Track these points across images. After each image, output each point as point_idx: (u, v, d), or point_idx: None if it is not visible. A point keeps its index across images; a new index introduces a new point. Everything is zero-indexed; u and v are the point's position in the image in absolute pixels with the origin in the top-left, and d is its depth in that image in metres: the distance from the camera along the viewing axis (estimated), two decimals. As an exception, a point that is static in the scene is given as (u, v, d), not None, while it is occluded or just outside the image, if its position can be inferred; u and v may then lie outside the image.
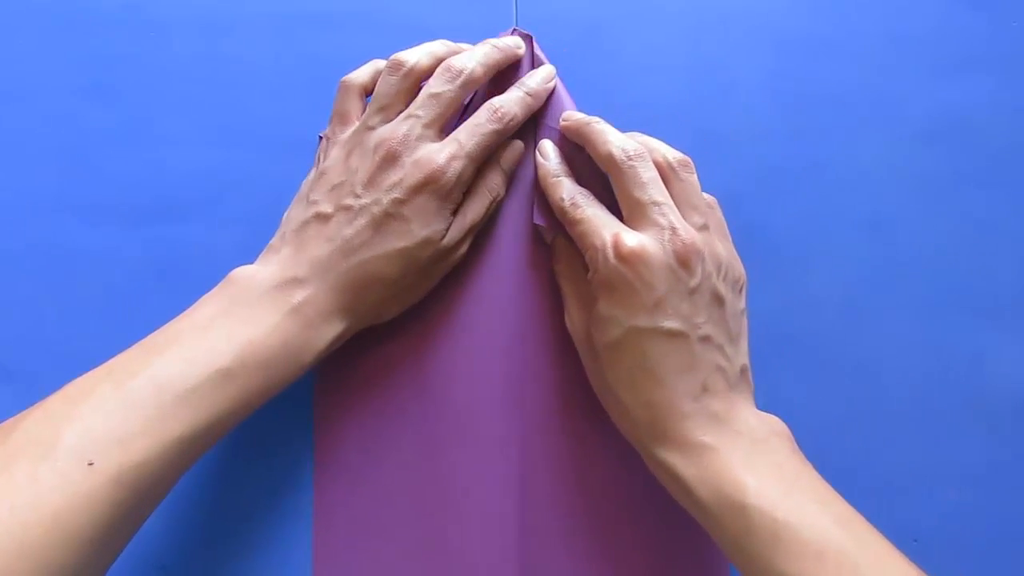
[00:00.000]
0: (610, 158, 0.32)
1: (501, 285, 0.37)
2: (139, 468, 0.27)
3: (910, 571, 0.27)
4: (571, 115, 0.35)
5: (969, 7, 0.40)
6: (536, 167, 0.36)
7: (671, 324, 0.30)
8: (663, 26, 0.40)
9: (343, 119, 0.35)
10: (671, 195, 0.32)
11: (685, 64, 0.39)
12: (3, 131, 0.39)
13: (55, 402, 0.28)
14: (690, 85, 0.39)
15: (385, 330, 0.36)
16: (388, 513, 0.36)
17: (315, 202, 0.33)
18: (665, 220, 0.31)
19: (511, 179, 0.37)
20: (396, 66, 0.34)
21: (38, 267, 0.38)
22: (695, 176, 0.33)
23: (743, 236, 0.36)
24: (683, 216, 0.32)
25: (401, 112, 0.34)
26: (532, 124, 0.37)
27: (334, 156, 0.34)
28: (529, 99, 0.35)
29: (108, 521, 0.26)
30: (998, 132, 0.39)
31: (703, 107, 0.39)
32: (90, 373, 0.29)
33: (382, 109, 0.33)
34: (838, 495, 0.30)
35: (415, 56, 0.34)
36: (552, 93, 0.37)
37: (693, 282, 0.31)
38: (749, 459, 0.30)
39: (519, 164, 0.37)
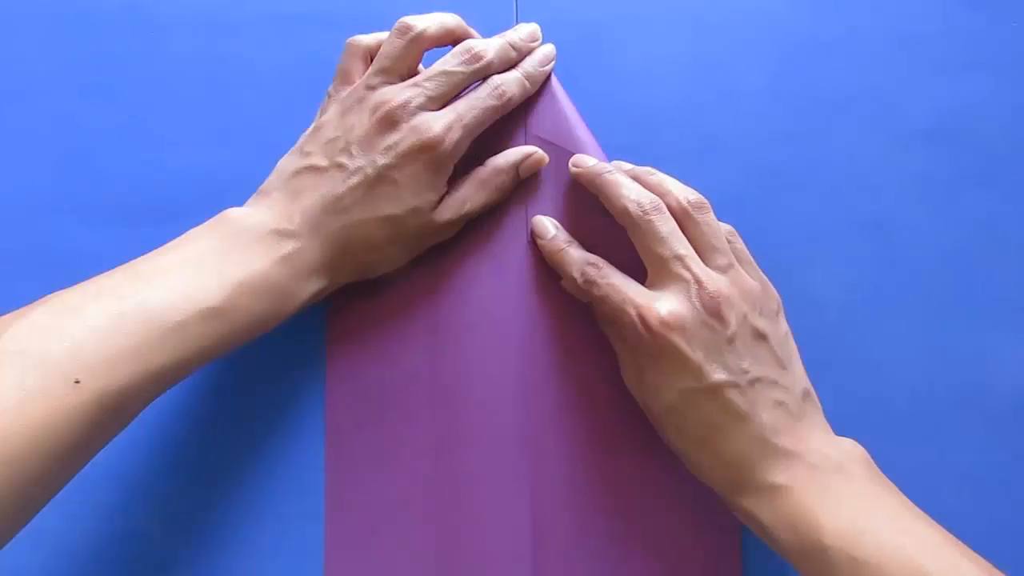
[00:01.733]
0: (626, 213, 0.32)
1: (512, 286, 0.37)
2: (121, 392, 0.27)
3: None
4: (582, 161, 0.35)
5: (969, 7, 0.40)
6: (537, 244, 0.36)
7: (719, 377, 0.30)
8: (664, 27, 0.40)
9: (344, 78, 0.35)
10: (690, 240, 0.32)
11: (686, 65, 0.39)
12: (3, 131, 0.39)
13: (40, 314, 0.28)
14: (691, 86, 0.39)
15: (396, 332, 0.36)
16: (400, 513, 0.36)
17: (309, 154, 0.33)
18: (689, 274, 0.31)
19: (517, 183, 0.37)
20: (403, 30, 0.34)
21: (38, 267, 0.38)
22: (711, 215, 0.33)
23: (743, 236, 0.36)
24: (706, 260, 0.32)
25: (402, 75, 0.34)
26: (522, 132, 0.37)
27: (331, 112, 0.34)
28: (527, 83, 0.36)
29: (84, 439, 0.26)
30: (998, 132, 0.39)
31: (704, 108, 0.39)
32: (75, 289, 0.29)
33: (384, 71, 0.34)
34: (922, 516, 0.30)
35: (424, 22, 0.34)
36: (543, 102, 0.37)
37: (730, 331, 0.31)
38: (824, 495, 0.29)
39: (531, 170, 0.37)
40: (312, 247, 0.32)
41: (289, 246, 0.32)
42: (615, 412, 0.36)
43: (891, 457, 0.37)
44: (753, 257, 0.35)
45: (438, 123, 0.32)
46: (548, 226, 0.35)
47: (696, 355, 0.30)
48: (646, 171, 0.34)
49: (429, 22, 0.34)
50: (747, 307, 0.32)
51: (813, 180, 0.39)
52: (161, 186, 0.38)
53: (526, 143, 0.37)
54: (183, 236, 0.32)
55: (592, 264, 0.33)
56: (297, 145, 0.35)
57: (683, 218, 0.33)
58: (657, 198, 0.33)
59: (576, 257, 0.34)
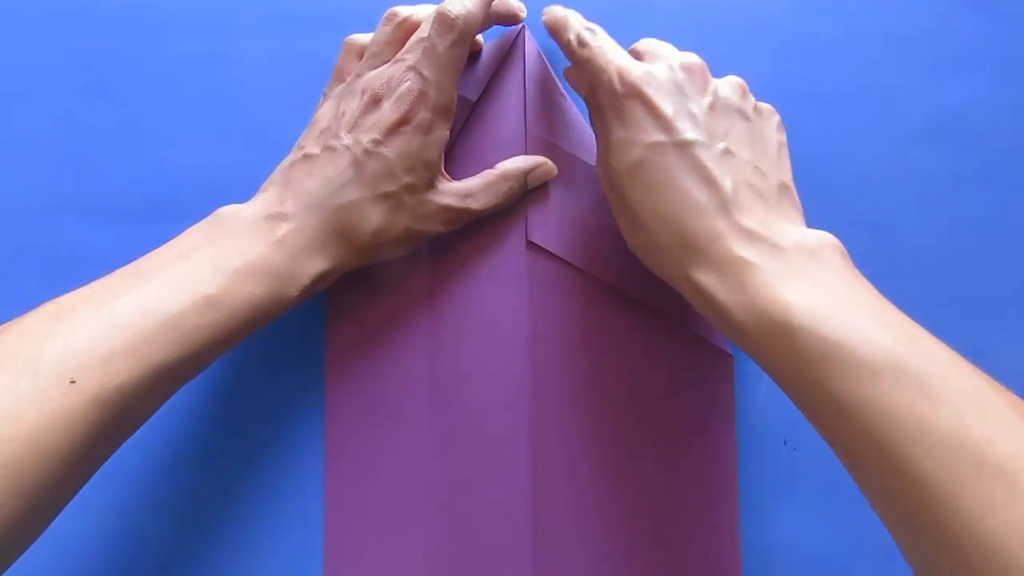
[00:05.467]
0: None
1: (512, 286, 0.37)
2: (121, 390, 0.26)
3: (984, 384, 0.25)
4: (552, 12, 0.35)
5: (969, 7, 0.40)
6: (544, 22, 0.35)
7: (687, 135, 0.30)
8: (663, 26, 0.39)
9: (339, 75, 0.36)
10: None
11: (685, 64, 0.39)
12: (3, 131, 0.39)
13: (34, 319, 0.27)
14: (690, 85, 0.39)
15: (396, 332, 0.36)
16: (400, 513, 0.36)
17: (303, 147, 0.33)
18: (672, 54, 0.31)
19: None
20: (390, 17, 0.34)
21: (38, 267, 0.38)
22: None
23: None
24: None
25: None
26: (522, 132, 0.37)
27: (326, 106, 0.34)
28: None
29: (86, 442, 0.26)
30: (998, 132, 0.39)
31: (703, 107, 0.39)
32: (70, 294, 0.28)
33: (373, 57, 0.34)
34: (897, 311, 0.28)
35: (411, 9, 0.34)
36: (543, 101, 0.37)
37: (707, 98, 0.31)
38: (793, 274, 0.27)
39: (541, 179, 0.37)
40: (308, 227, 0.32)
41: (284, 228, 0.31)
42: (615, 412, 0.36)
43: (891, 457, 0.37)
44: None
45: (411, 93, 0.32)
46: (554, 7, 0.35)
47: (667, 109, 0.30)
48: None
49: (416, 9, 0.34)
50: (731, 92, 0.31)
51: (812, 180, 0.38)
52: (161, 186, 0.38)
53: (526, 143, 0.37)
54: (178, 236, 0.32)
55: (589, 29, 0.33)
56: (295, 144, 0.35)
57: None
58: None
59: (574, 21, 0.34)
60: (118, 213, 0.38)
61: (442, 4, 0.33)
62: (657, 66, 0.31)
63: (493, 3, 0.35)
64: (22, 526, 0.25)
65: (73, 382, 0.25)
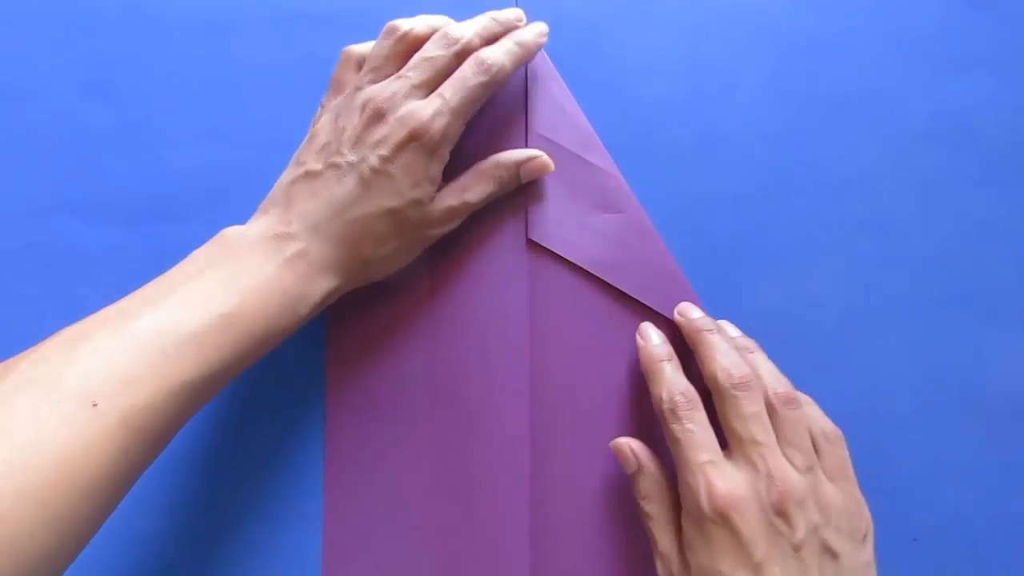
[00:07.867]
0: (714, 379, 0.31)
1: (511, 287, 0.37)
2: (145, 412, 0.26)
3: None
4: (687, 311, 0.35)
5: (969, 7, 0.40)
6: (637, 349, 0.34)
7: None
8: (663, 26, 0.40)
9: (337, 87, 0.35)
10: (775, 429, 0.31)
11: (685, 64, 0.39)
12: (3, 131, 0.39)
13: (49, 348, 0.27)
14: (690, 85, 0.39)
15: (396, 332, 0.36)
16: (400, 513, 0.36)
17: (304, 163, 0.33)
18: (763, 463, 0.29)
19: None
20: (391, 31, 0.34)
21: (38, 267, 0.38)
22: (801, 411, 0.31)
23: (743, 236, 0.37)
24: (786, 455, 0.30)
25: (391, 75, 0.34)
26: (524, 131, 0.37)
27: (324, 120, 0.34)
28: (518, 50, 0.34)
29: (114, 467, 0.25)
30: (998, 132, 0.39)
31: (703, 107, 0.39)
32: (82, 321, 0.28)
33: (372, 71, 0.34)
34: None
35: (411, 23, 0.34)
36: (546, 100, 0.37)
37: (797, 537, 0.29)
38: None
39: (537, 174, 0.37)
40: (316, 247, 0.32)
41: (291, 248, 0.31)
42: (614, 411, 0.36)
43: (891, 457, 0.37)
44: (752, 255, 0.35)
45: (424, 111, 0.32)
46: (652, 334, 0.34)
47: (756, 553, 0.28)
48: (747, 346, 0.33)
49: (416, 22, 0.34)
50: (820, 518, 0.29)
51: (812, 179, 0.39)
52: (161, 186, 0.38)
53: (528, 141, 0.37)
54: (184, 259, 0.31)
55: (683, 395, 0.32)
56: (292, 158, 0.34)
57: (771, 406, 0.31)
58: (751, 371, 0.31)
59: (670, 378, 0.32)
60: (118, 213, 0.38)
61: (482, 50, 0.33)
62: (747, 489, 0.29)
63: (519, 56, 0.34)
64: (54, 554, 0.24)
65: (95, 405, 0.25)
